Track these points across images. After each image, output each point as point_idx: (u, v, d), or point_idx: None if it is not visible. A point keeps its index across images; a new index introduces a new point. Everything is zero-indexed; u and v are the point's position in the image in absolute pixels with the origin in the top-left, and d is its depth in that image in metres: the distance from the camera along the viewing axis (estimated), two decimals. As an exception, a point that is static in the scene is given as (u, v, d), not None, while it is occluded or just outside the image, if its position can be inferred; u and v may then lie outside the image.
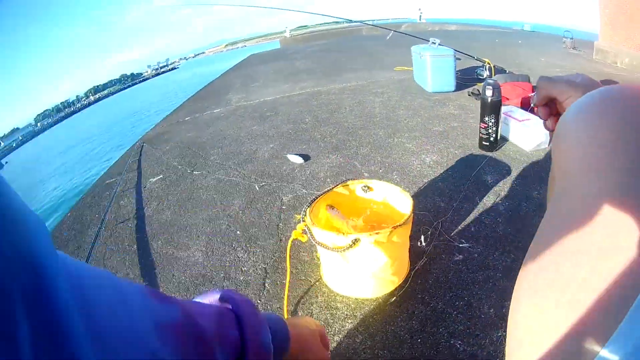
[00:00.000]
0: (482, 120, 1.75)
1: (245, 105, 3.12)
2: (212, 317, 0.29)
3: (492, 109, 1.69)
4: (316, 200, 0.92)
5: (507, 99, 2.39)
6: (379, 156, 1.84)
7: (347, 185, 1.05)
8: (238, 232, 1.35)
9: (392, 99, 2.77)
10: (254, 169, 1.86)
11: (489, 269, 1.07)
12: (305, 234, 0.82)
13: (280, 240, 1.26)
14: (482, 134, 1.78)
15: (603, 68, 4.13)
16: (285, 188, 1.62)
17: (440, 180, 1.59)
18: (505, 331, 0.73)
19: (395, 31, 3.69)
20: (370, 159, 1.81)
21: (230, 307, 0.32)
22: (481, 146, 1.83)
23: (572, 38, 6.76)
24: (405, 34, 3.56)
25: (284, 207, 1.46)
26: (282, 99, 3.14)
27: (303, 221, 0.84)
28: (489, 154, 1.79)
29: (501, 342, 0.84)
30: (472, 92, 2.62)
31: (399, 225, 0.79)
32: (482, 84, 1.70)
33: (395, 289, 0.96)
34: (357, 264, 0.81)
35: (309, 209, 0.87)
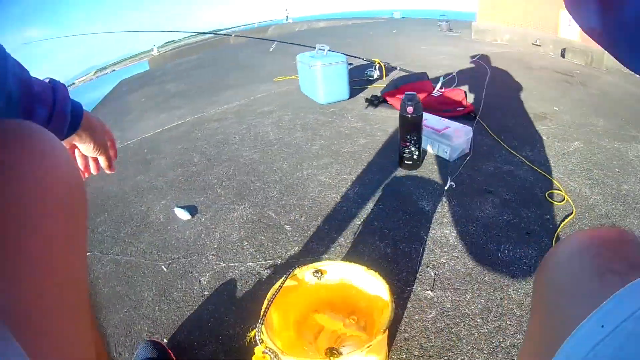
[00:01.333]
0: (402, 139, 1.84)
1: (124, 148, 2.85)
2: (42, 84, 0.58)
3: (413, 126, 1.79)
4: (268, 309, 0.84)
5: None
6: (294, 198, 1.81)
7: (295, 274, 1.00)
8: (165, 340, 1.19)
9: (283, 118, 2.82)
10: (152, 239, 1.69)
11: (468, 318, 1.17)
12: (267, 354, 0.77)
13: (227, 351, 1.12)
14: (404, 153, 1.89)
15: (484, 47, 5.13)
16: (197, 264, 1.51)
17: (374, 218, 1.64)
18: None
19: (278, 41, 3.86)
20: (285, 204, 1.77)
21: (52, 85, 0.60)
22: (403, 165, 1.95)
23: (447, 21, 8.20)
24: (287, 42, 3.78)
25: (206, 293, 1.35)
26: (162, 134, 3.03)
27: (261, 341, 0.77)
28: (414, 173, 1.92)
29: None
30: (370, 100, 2.86)
31: (388, 327, 0.81)
32: (389, 92, 1.89)
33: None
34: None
35: (262, 326, 0.79)
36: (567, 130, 2.39)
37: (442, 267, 1.38)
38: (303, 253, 1.50)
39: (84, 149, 0.72)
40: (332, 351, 0.94)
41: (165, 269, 1.51)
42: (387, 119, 2.59)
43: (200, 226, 1.75)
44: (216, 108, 3.39)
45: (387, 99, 2.76)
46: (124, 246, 1.69)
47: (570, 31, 5.05)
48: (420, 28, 6.25)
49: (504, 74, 3.62)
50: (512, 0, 6.23)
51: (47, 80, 0.61)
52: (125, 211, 1.98)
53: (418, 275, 1.35)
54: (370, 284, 1.00)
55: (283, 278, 0.95)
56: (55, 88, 0.60)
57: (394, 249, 1.48)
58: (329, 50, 2.79)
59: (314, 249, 1.52)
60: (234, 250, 1.55)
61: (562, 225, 1.58)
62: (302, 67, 2.93)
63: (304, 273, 1.02)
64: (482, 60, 4.03)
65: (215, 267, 1.48)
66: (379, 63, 3.27)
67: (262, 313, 0.84)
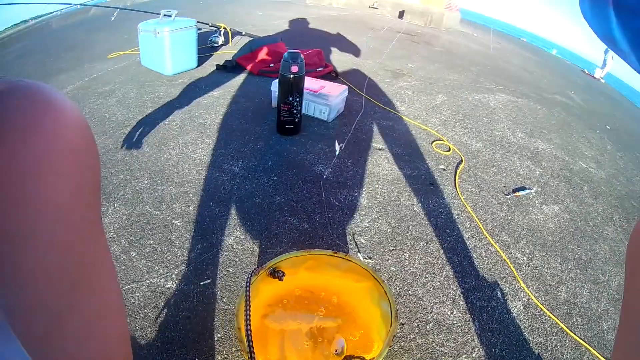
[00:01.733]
0: (283, 102, 1.71)
1: None
2: None
3: (296, 86, 1.68)
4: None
5: (272, 63, 2.60)
6: (171, 185, 1.41)
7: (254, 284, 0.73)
8: None
9: (128, 95, 2.34)
10: None
11: (416, 276, 1.15)
12: None
13: None
14: (285, 117, 1.76)
15: (321, 11, 5.27)
16: None
17: (274, 192, 1.47)
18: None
19: (120, 8, 3.35)
20: (164, 195, 1.32)
21: None
22: (284, 131, 1.81)
23: None
24: (130, 9, 3.23)
25: None
26: None
27: None
28: (296, 137, 1.80)
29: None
30: (222, 65, 2.64)
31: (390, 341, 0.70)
32: (285, 56, 1.71)
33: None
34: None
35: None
36: (428, 84, 2.63)
37: (368, 231, 1.32)
38: (209, 249, 1.20)
39: None
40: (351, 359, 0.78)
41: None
42: (247, 84, 2.41)
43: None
44: None
45: (242, 63, 2.58)
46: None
47: None
48: None
49: (349, 35, 3.79)
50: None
51: None
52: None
53: (349, 246, 1.26)
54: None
55: (243, 302, 0.72)
56: None
57: (309, 222, 1.34)
58: (177, 16, 2.46)
59: (220, 242, 1.23)
60: (123, 267, 1.17)
61: (458, 172, 1.70)
62: (145, 36, 2.49)
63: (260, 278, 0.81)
64: (323, 23, 4.15)
65: None
66: (224, 28, 3.04)
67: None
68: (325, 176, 1.58)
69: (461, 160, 1.79)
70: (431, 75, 2.83)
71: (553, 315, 1.15)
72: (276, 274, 0.81)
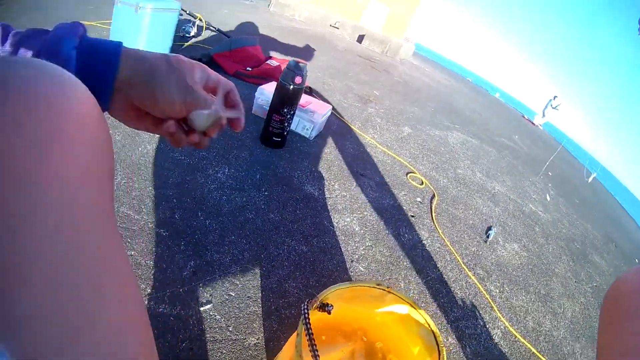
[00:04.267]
0: (277, 112, 1.69)
1: None
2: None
3: (293, 98, 1.65)
4: None
5: (246, 68, 2.53)
6: (150, 186, 1.25)
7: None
8: None
9: None
10: None
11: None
12: None
13: None
14: (275, 128, 1.73)
15: (283, 21, 5.21)
16: None
17: (267, 209, 1.43)
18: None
19: None
20: (143, 196, 1.13)
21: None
22: (269, 143, 1.78)
23: None
24: None
25: None
26: None
27: None
28: (280, 151, 1.79)
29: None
30: (198, 58, 2.50)
31: None
32: (288, 65, 1.64)
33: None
34: None
35: None
36: (393, 115, 2.76)
37: (364, 259, 1.36)
38: (204, 268, 1.10)
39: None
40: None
41: None
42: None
43: None
44: None
45: (219, 60, 2.49)
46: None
47: (372, 21, 5.80)
48: None
49: (315, 51, 3.84)
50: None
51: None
52: None
53: (350, 272, 1.30)
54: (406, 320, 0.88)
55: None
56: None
57: (308, 245, 1.33)
58: None
59: (216, 260, 1.14)
60: None
61: (433, 207, 1.83)
62: (122, 9, 2.20)
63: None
64: (288, 34, 4.16)
65: None
66: (200, 19, 2.90)
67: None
68: (315, 196, 1.60)
69: (434, 195, 1.91)
70: (395, 106, 2.99)
71: (525, 341, 1.31)
72: (326, 307, 0.82)
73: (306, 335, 0.67)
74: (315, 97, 2.49)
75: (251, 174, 1.59)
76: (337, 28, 6.10)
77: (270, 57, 2.71)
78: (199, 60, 2.44)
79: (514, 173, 2.72)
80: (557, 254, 1.96)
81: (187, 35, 2.85)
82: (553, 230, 2.18)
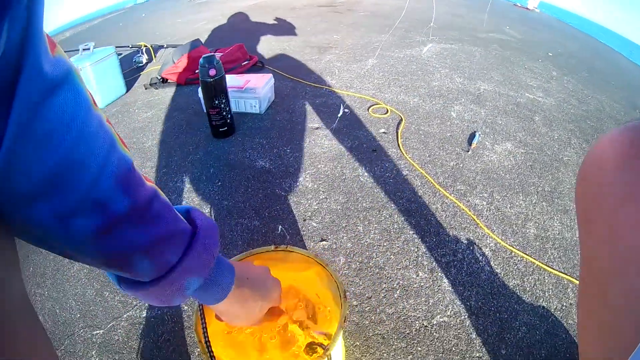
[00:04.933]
0: (210, 107, 1.67)
1: None
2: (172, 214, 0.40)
3: (219, 89, 1.64)
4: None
5: (194, 71, 2.50)
6: None
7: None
8: None
9: None
10: None
11: (374, 246, 1.14)
12: None
13: None
14: (216, 121, 1.71)
15: (240, 3, 4.99)
16: (69, 349, 1.00)
17: (221, 198, 1.42)
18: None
19: None
20: None
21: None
22: (219, 134, 1.75)
23: None
24: None
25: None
26: None
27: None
28: (232, 138, 1.73)
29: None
30: (150, 84, 2.52)
31: (342, 324, 0.63)
32: (201, 62, 1.65)
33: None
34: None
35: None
36: (356, 51, 2.58)
37: (318, 213, 1.27)
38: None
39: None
40: (311, 346, 0.73)
41: None
42: (177, 97, 2.30)
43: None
44: None
45: (167, 77, 2.47)
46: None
47: None
48: (168, 5, 5.88)
49: (273, 21, 3.69)
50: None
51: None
52: None
53: (302, 232, 1.21)
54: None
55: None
56: (199, 228, 0.42)
57: (259, 219, 1.28)
58: (95, 48, 2.34)
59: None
60: (101, 309, 1.04)
61: (399, 133, 1.67)
62: None
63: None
64: (243, 14, 4.05)
65: (94, 339, 1.01)
66: (144, 46, 2.92)
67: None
68: (268, 168, 1.51)
69: (401, 120, 1.75)
70: (358, 42, 2.79)
71: (526, 254, 1.13)
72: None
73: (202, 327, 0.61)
74: (266, 69, 2.39)
75: (205, 171, 1.57)
76: None
77: (216, 50, 2.62)
78: (153, 84, 2.43)
79: (504, 65, 2.44)
80: (565, 139, 1.71)
81: (140, 64, 2.86)
82: (557, 114, 1.91)
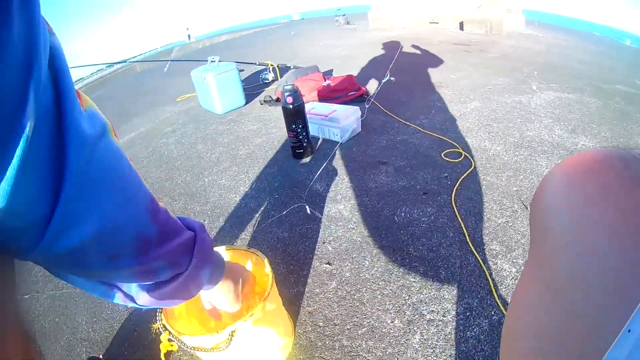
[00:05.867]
0: (289, 130, 1.87)
1: None
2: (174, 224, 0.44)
3: (296, 115, 1.83)
4: None
5: (302, 95, 2.76)
6: (197, 205, 1.78)
7: None
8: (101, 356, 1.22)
9: (185, 134, 2.77)
10: None
11: (369, 282, 1.17)
12: (173, 342, 0.83)
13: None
14: (293, 143, 1.91)
15: (382, 33, 5.35)
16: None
17: (271, 208, 1.61)
18: None
19: (171, 60, 4.03)
20: (189, 212, 1.76)
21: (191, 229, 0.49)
22: (296, 155, 1.95)
23: (344, 15, 8.71)
24: (181, 60, 3.86)
25: (129, 307, 1.26)
26: None
27: (163, 329, 0.83)
28: (307, 160, 1.94)
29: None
30: (264, 100, 2.90)
31: (268, 294, 0.85)
32: (280, 91, 1.90)
33: (292, 348, 1.03)
34: (246, 351, 0.90)
35: (161, 314, 0.86)
36: (464, 93, 2.52)
37: (338, 240, 1.35)
38: None
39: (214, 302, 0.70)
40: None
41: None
42: (282, 117, 2.61)
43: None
44: (125, 136, 3.32)
45: (280, 96, 2.80)
46: (57, 282, 1.63)
47: (467, 3, 5.42)
48: (318, 27, 6.51)
49: (402, 54, 3.80)
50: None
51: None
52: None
53: (316, 252, 1.32)
54: (255, 262, 0.98)
55: None
56: (197, 238, 0.49)
57: (290, 232, 1.43)
58: (220, 61, 2.84)
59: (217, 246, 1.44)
60: None
61: (461, 179, 1.62)
62: (197, 81, 2.97)
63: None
64: (379, 46, 4.23)
65: None
66: (271, 65, 3.34)
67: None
68: (320, 192, 1.64)
69: (471, 167, 1.69)
70: (472, 83, 2.71)
71: None
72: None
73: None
74: (370, 101, 2.51)
75: (271, 184, 1.80)
76: (437, 23, 5.76)
77: (329, 78, 2.85)
78: (266, 102, 2.84)
79: (619, 121, 2.07)
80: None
81: (266, 81, 3.27)
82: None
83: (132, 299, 0.44)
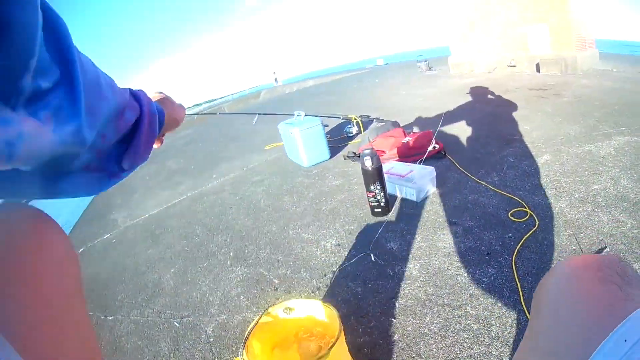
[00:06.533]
0: (368, 190, 2.12)
1: (134, 225, 3.36)
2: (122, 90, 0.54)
3: (375, 176, 2.07)
4: (248, 338, 1.15)
5: (383, 152, 3.01)
6: (281, 256, 2.09)
7: (269, 312, 1.27)
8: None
9: (273, 185, 3.17)
10: (165, 302, 2.01)
11: (427, 336, 1.35)
12: None
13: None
14: (372, 202, 2.16)
15: (461, 80, 5.48)
16: (203, 317, 1.79)
17: (348, 263, 1.87)
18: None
19: (259, 114, 4.59)
20: (274, 262, 2.06)
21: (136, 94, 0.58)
22: (374, 213, 2.19)
23: (425, 60, 8.82)
24: (268, 114, 4.41)
25: (211, 340, 1.62)
26: (167, 211, 3.49)
27: None
28: (384, 219, 2.16)
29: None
30: (347, 156, 3.19)
31: (332, 345, 1.02)
32: (361, 154, 2.17)
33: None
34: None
35: (244, 350, 1.07)
36: (535, 146, 2.61)
37: (405, 297, 1.57)
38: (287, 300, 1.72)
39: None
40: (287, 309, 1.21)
41: (177, 325, 1.81)
42: (365, 173, 2.89)
43: (204, 287, 2.05)
44: (213, 182, 3.83)
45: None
46: (141, 309, 2.02)
47: (539, 45, 5.38)
48: (401, 73, 6.79)
49: (478, 104, 3.92)
50: (480, 28, 6.79)
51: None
52: (139, 280, 2.34)
53: (384, 307, 1.55)
54: (328, 315, 1.25)
55: (260, 314, 1.24)
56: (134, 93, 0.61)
57: (363, 287, 1.69)
58: (306, 115, 3.19)
59: (297, 296, 1.76)
60: (233, 304, 1.83)
61: (523, 239, 1.75)
62: (284, 134, 3.33)
63: (277, 310, 1.30)
64: (458, 95, 4.37)
65: (218, 319, 1.75)
66: (355, 119, 3.62)
67: (243, 340, 1.10)
68: (393, 250, 1.88)
69: (534, 226, 1.82)
70: (544, 134, 2.76)
71: None
72: (286, 310, 1.31)
73: (254, 324, 1.19)
74: (447, 159, 2.71)
75: (350, 240, 2.06)
76: (514, 66, 5.71)
77: (408, 133, 3.08)
78: (349, 158, 3.12)
79: None
80: None
81: (350, 134, 3.57)
82: None
83: (120, 171, 0.55)
